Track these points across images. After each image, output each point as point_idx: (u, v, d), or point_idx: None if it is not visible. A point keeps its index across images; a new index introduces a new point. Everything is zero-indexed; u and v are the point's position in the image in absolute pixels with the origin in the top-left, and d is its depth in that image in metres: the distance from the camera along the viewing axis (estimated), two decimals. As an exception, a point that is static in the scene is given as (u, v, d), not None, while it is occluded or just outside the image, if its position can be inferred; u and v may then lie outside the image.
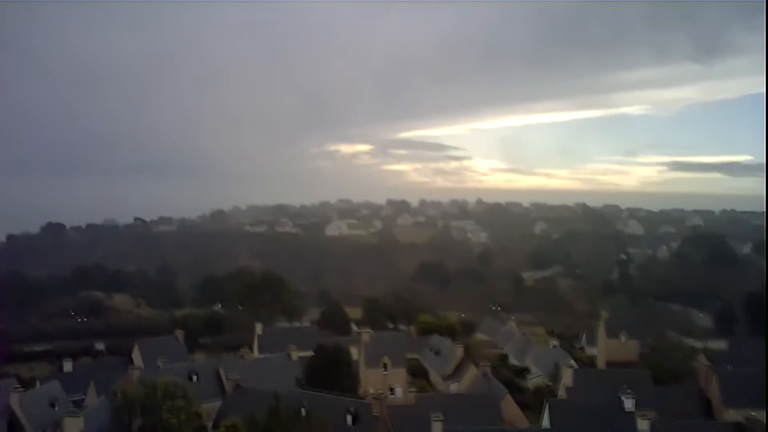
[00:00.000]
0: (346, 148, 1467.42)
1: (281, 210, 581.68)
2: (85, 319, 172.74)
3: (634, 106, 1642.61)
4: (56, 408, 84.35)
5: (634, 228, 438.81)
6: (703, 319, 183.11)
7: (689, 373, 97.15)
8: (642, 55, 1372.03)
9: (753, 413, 69.40)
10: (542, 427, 64.81)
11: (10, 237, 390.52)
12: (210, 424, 70.25)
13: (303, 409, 62.36)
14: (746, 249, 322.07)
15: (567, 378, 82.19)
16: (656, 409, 73.72)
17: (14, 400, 78.73)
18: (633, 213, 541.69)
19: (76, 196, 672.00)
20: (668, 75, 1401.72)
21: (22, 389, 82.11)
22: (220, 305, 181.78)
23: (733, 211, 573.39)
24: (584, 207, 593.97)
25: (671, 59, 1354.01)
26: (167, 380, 67.89)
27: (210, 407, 74.50)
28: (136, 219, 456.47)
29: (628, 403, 64.88)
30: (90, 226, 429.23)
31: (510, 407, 79.04)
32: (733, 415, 75.33)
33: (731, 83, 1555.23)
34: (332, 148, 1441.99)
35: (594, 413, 63.20)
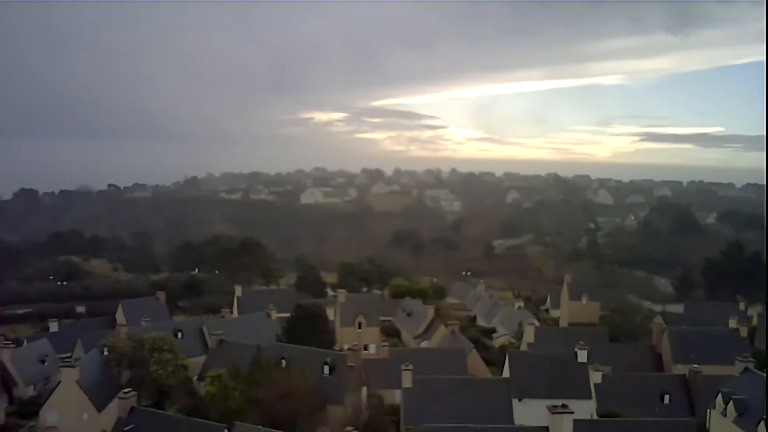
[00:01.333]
0: (319, 116, 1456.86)
1: (256, 177, 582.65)
2: (65, 283, 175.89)
3: (608, 76, 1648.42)
4: (45, 364, 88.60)
5: (604, 198, 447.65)
6: (664, 284, 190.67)
7: (645, 332, 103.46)
8: (617, 25, 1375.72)
9: (696, 366, 75.87)
10: (503, 376, 70.27)
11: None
12: (195, 377, 74.90)
13: (283, 360, 67.29)
14: (710, 219, 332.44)
15: (529, 335, 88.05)
16: (610, 363, 79.94)
17: (5, 356, 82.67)
18: (603, 183, 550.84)
19: (48, 160, 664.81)
20: (643, 45, 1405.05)
21: (13, 345, 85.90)
22: (197, 270, 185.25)
23: (701, 182, 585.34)
24: (556, 177, 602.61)
25: (646, 29, 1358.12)
26: (154, 335, 72.37)
27: (194, 362, 79.10)
28: (109, 185, 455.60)
29: (582, 355, 70.52)
30: (63, 192, 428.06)
31: (475, 361, 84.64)
32: (680, 369, 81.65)
33: (705, 54, 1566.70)
34: (306, 115, 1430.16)
35: (550, 363, 68.85)
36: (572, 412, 51.28)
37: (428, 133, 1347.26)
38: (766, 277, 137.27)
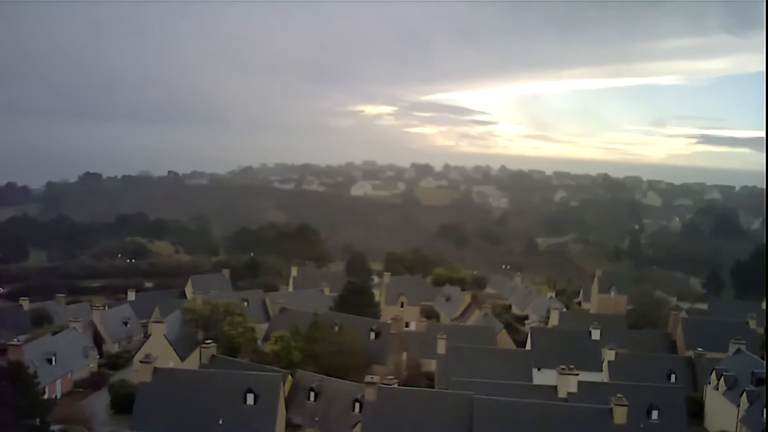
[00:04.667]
0: (369, 109, 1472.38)
1: (307, 168, 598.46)
2: (133, 261, 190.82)
3: (665, 75, 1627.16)
4: (128, 325, 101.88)
5: (652, 199, 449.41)
6: (699, 285, 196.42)
7: (665, 323, 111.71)
8: (676, 25, 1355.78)
9: (700, 349, 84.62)
10: (525, 349, 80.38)
11: (49, 184, 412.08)
12: (260, 340, 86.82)
13: (336, 326, 78.67)
14: (756, 224, 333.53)
15: (554, 318, 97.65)
16: (627, 346, 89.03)
17: (96, 317, 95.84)
18: (653, 185, 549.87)
19: (111, 146, 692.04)
20: (702, 45, 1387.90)
21: (102, 309, 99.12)
22: (252, 253, 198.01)
23: (754, 187, 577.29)
24: (606, 177, 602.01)
25: (706, 29, 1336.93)
26: (228, 300, 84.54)
27: (258, 328, 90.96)
28: (169, 172, 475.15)
29: (595, 334, 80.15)
30: (125, 177, 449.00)
31: (504, 339, 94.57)
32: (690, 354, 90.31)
33: (764, 56, 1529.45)
34: (356, 108, 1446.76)
35: (566, 337, 78.69)
36: (577, 374, 61.59)
37: (479, 129, 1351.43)
38: (765, 276, 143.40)
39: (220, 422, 53.01)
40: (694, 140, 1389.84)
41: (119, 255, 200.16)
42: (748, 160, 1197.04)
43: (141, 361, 55.75)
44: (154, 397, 54.00)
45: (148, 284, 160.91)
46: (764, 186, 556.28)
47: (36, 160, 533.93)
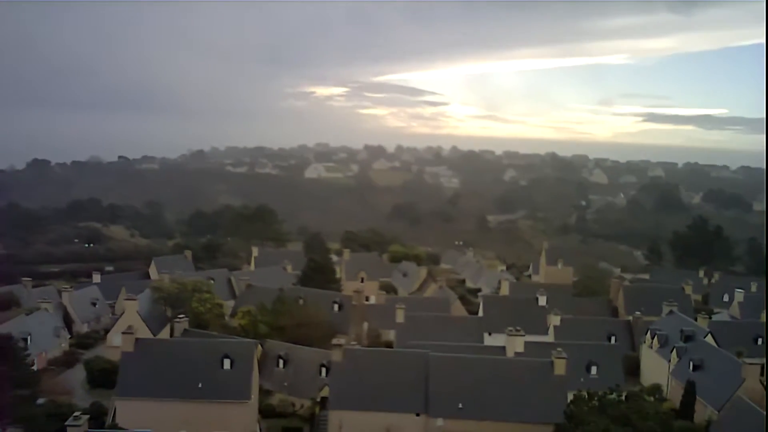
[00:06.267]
0: (321, 90, 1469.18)
1: (260, 151, 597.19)
2: (90, 245, 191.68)
3: (612, 55, 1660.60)
4: (96, 306, 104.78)
5: (598, 177, 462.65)
6: (641, 257, 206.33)
7: (608, 292, 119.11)
8: (622, 4, 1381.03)
9: (638, 312, 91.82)
10: (478, 315, 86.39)
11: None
12: (227, 316, 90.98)
13: (301, 300, 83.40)
14: (696, 198, 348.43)
15: (504, 289, 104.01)
16: (572, 312, 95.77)
17: (66, 298, 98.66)
18: (599, 163, 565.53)
19: (59, 132, 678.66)
20: (647, 24, 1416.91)
21: (71, 290, 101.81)
22: (209, 236, 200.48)
23: (696, 163, 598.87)
24: (554, 156, 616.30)
25: (650, 8, 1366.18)
26: (195, 279, 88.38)
27: (225, 305, 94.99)
28: (119, 157, 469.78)
29: (541, 300, 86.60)
30: (75, 163, 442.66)
31: (459, 309, 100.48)
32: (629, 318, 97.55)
33: (711, 35, 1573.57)
34: (307, 89, 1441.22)
35: (515, 304, 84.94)
36: (524, 335, 67.59)
37: (430, 110, 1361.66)
38: (766, 256, 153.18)
39: (200, 386, 57.42)
40: (641, 119, 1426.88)
41: (76, 240, 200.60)
42: (692, 137, 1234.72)
43: (124, 333, 59.68)
44: (137, 365, 58.07)
45: (109, 268, 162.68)
46: (708, 163, 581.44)
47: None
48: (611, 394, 51.25)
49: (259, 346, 70.14)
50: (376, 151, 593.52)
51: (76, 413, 46.51)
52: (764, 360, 71.24)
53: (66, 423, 43.59)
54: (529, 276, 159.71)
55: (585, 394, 51.92)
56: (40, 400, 61.09)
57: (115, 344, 78.31)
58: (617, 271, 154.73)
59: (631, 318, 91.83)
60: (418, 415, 57.28)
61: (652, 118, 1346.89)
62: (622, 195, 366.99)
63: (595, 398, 51.10)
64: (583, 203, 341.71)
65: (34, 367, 74.64)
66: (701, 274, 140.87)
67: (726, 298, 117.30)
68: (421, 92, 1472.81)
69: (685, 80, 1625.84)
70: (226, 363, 58.41)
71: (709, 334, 78.37)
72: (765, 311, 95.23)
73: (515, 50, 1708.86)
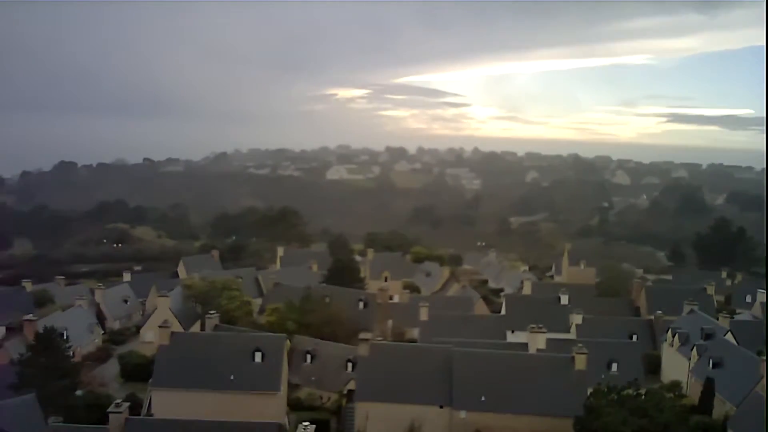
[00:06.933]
0: (342, 93, 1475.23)
1: (282, 154, 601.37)
2: (119, 245, 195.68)
3: (634, 55, 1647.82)
4: (128, 303, 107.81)
5: (621, 178, 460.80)
6: (664, 258, 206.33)
7: (630, 293, 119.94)
8: (644, 5, 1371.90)
9: (659, 312, 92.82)
10: (500, 314, 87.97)
11: (24, 174, 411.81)
12: (255, 312, 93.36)
13: (327, 298, 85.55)
14: (720, 200, 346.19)
15: (527, 288, 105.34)
16: (594, 312, 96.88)
17: (99, 296, 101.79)
18: (622, 164, 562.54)
19: (85, 136, 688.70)
20: (670, 25, 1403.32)
21: (104, 287, 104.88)
22: (233, 237, 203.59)
23: (720, 165, 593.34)
24: (576, 157, 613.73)
25: (673, 9, 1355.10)
26: (224, 277, 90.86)
27: (252, 303, 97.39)
28: (144, 159, 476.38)
29: (564, 299, 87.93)
30: (101, 165, 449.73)
31: (481, 308, 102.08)
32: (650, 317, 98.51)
33: (733, 34, 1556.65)
34: (328, 92, 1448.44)
35: (537, 303, 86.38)
36: (545, 332, 69.08)
37: (451, 111, 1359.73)
38: (767, 256, 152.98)
39: (232, 378, 59.73)
40: (664, 119, 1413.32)
41: (104, 241, 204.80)
42: (717, 138, 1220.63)
43: (160, 326, 62.33)
44: (171, 357, 60.52)
45: (137, 268, 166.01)
46: (732, 164, 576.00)
47: (7, 150, 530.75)
48: (629, 388, 52.71)
49: (287, 341, 72.27)
50: (397, 153, 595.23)
51: (117, 401, 48.94)
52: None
53: (108, 410, 46.08)
54: (552, 277, 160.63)
55: (605, 388, 53.42)
56: (79, 392, 63.62)
57: (148, 340, 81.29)
58: (639, 272, 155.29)
59: (652, 317, 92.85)
60: (441, 407, 59.09)
61: (675, 118, 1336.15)
62: (644, 196, 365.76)
63: (614, 392, 52.59)
64: (606, 204, 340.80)
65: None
66: (724, 275, 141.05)
67: (749, 299, 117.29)
68: (441, 94, 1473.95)
69: (710, 80, 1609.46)
70: (257, 356, 60.70)
71: (729, 333, 79.28)
72: (765, 311, 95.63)
73: (536, 51, 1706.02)
